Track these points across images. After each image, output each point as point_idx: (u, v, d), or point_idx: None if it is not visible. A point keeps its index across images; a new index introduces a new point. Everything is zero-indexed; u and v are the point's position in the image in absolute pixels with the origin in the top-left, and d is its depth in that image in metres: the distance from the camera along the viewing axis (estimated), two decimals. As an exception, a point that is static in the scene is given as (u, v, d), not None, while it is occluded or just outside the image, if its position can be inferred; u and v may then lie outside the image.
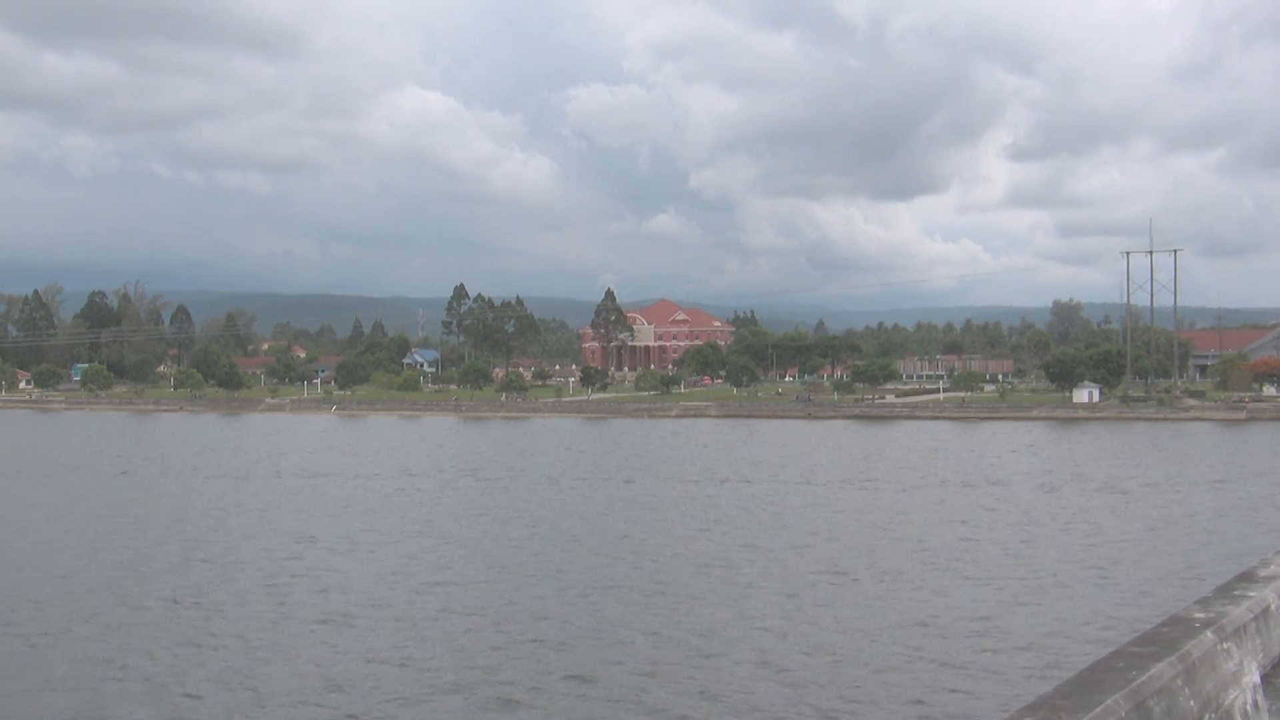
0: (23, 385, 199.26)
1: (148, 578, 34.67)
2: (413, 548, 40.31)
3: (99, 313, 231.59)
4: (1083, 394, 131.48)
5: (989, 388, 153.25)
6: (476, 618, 29.18)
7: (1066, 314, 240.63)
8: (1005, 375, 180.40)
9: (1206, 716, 5.81)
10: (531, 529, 44.99)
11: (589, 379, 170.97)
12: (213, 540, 42.07)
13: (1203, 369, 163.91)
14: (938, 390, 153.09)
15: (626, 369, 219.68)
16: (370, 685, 23.18)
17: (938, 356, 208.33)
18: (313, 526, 45.61)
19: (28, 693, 23.17)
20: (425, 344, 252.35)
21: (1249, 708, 6.41)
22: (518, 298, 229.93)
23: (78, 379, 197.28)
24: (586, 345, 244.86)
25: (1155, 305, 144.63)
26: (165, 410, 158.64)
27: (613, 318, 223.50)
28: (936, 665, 24.37)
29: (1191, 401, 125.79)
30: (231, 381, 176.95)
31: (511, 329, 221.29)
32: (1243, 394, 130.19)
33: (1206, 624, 6.41)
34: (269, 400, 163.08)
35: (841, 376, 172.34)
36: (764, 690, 22.73)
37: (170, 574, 35.33)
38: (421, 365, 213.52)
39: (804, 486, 59.52)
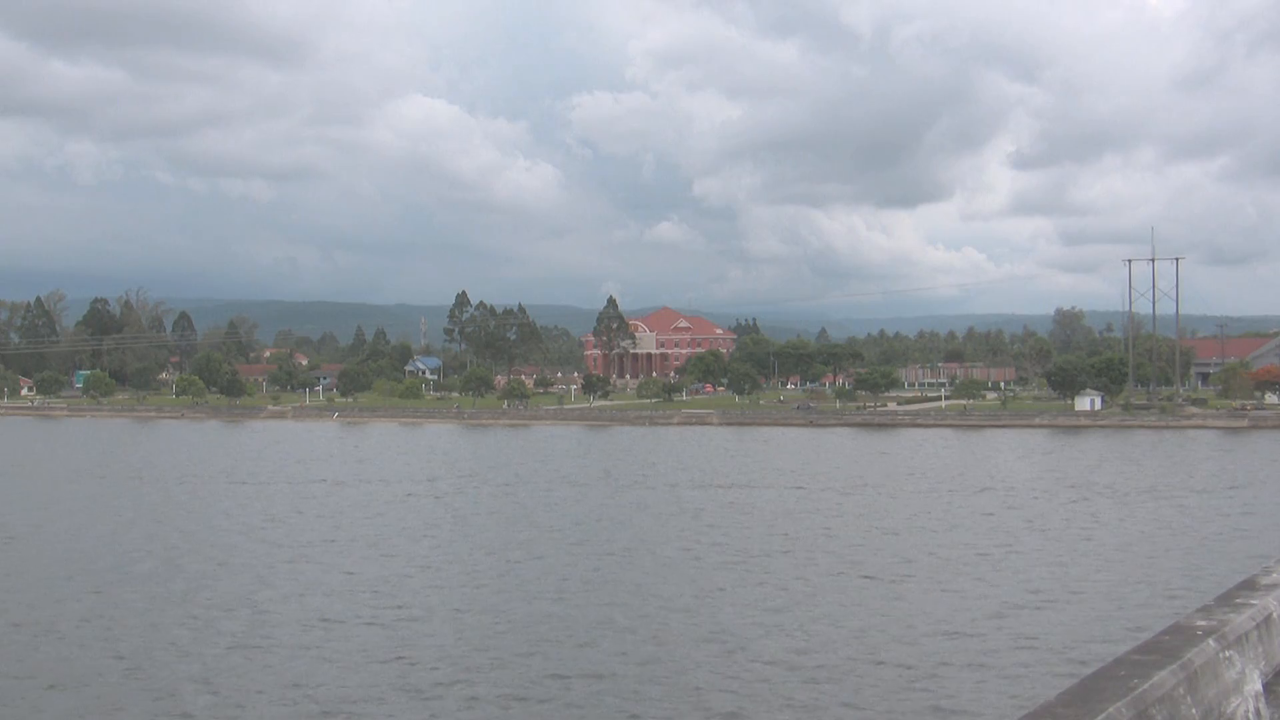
0: (25, 392, 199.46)
1: (155, 581, 34.67)
2: (418, 552, 40.31)
3: (101, 320, 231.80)
4: (1085, 402, 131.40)
5: (991, 395, 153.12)
6: (485, 619, 29.19)
7: (1069, 322, 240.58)
8: (1007, 383, 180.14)
9: None
10: (537, 533, 44.95)
11: (591, 386, 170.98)
12: (220, 544, 42.06)
13: (1205, 377, 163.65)
14: (940, 398, 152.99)
15: (628, 377, 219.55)
16: (379, 686, 23.19)
17: (940, 364, 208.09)
18: (320, 531, 45.60)
19: (33, 693, 23.21)
20: (427, 351, 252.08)
21: (1251, 716, 6.41)
22: (520, 305, 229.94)
23: (79, 386, 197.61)
24: (588, 353, 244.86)
25: (1157, 313, 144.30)
26: (167, 418, 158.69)
27: (615, 325, 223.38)
28: (937, 671, 24.33)
29: (1193, 409, 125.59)
30: (233, 389, 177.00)
31: (513, 336, 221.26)
32: (1245, 402, 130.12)
33: (1208, 632, 6.40)
34: (271, 408, 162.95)
35: (843, 384, 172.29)
36: (768, 692, 22.71)
37: (182, 577, 35.34)
38: (423, 373, 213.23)
39: (806, 492, 59.47)
